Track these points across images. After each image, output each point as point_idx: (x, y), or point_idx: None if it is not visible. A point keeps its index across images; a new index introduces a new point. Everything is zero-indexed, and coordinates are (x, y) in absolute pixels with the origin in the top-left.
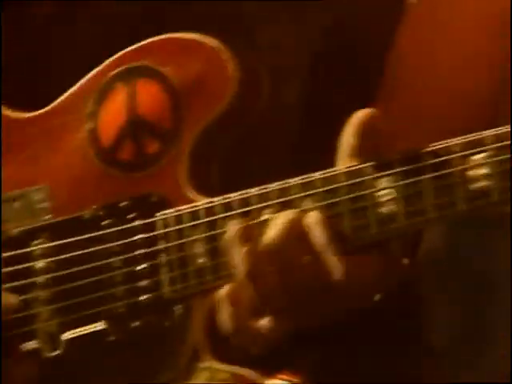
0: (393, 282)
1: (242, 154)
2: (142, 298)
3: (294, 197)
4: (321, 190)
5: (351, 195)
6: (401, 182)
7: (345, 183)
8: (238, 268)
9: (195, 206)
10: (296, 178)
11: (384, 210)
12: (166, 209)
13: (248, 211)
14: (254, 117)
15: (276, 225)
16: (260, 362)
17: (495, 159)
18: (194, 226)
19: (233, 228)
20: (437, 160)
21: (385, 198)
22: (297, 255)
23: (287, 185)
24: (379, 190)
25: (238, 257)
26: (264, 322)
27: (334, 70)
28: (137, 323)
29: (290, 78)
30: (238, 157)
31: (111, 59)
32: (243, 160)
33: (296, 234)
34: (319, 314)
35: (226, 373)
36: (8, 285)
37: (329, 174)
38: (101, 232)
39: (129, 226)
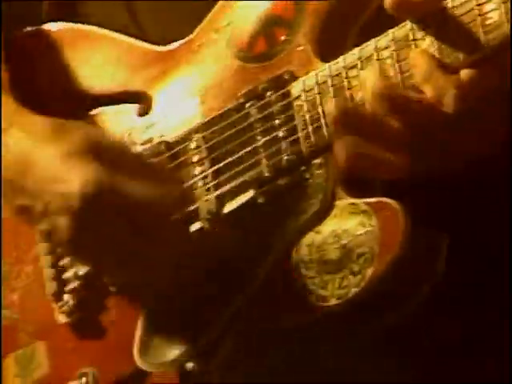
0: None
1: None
2: (284, 157)
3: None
4: None
5: None
6: None
7: None
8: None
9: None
10: None
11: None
12: None
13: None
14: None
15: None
16: None
17: None
18: (321, 85)
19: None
20: None
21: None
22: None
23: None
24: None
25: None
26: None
27: None
28: (282, 182)
29: None
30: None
31: None
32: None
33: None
34: (441, 155)
35: (366, 204)
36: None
37: None
38: (243, 112)
39: (266, 99)
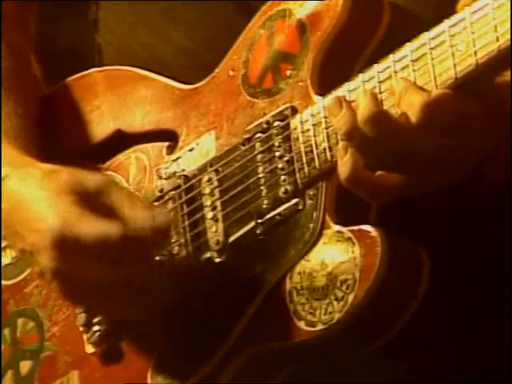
0: None
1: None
2: (281, 189)
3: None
4: None
5: None
6: None
7: None
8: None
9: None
10: None
11: None
12: None
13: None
14: (371, 40)
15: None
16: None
17: None
18: (315, 116)
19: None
20: None
21: None
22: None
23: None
24: None
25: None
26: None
27: None
28: (278, 213)
29: None
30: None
31: (255, 17)
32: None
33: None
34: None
35: (350, 232)
36: (186, 210)
37: None
38: (249, 145)
39: (268, 133)
